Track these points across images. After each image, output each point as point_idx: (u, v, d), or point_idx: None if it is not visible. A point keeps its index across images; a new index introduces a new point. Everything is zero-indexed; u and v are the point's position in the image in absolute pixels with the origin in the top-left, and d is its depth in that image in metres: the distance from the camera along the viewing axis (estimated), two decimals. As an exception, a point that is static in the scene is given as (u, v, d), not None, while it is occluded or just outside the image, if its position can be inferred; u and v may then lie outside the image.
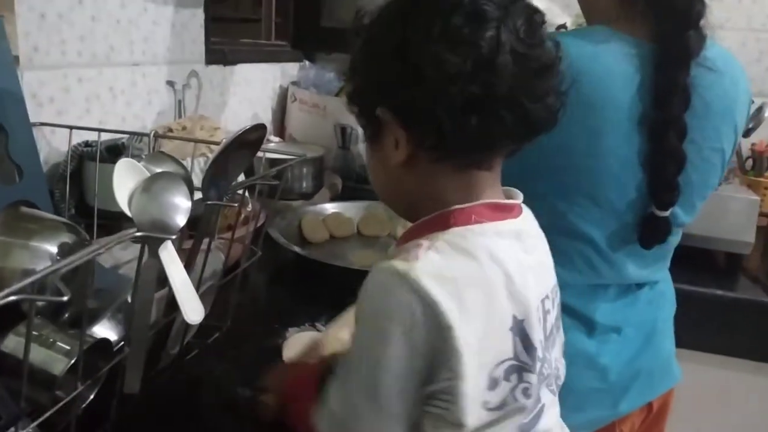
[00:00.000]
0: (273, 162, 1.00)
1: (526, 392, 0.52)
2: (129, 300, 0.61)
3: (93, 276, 0.57)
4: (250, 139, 0.68)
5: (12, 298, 0.42)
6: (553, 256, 0.60)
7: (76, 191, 1.05)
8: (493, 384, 0.50)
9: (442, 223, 0.52)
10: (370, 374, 0.49)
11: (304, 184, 1.49)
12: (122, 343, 0.62)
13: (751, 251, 1.30)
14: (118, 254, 0.76)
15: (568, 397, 0.62)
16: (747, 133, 1.31)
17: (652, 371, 0.83)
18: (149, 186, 0.57)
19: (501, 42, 0.48)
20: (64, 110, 1.11)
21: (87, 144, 1.06)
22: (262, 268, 1.01)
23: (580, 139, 0.69)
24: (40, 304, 0.56)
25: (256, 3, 1.88)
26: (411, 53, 0.49)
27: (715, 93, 0.73)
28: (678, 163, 0.71)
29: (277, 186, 0.80)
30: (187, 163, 0.72)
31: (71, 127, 0.97)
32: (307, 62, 1.84)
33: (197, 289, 0.58)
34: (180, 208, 0.57)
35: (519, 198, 0.57)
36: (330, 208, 1.33)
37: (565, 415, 0.62)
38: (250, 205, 0.93)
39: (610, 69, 0.69)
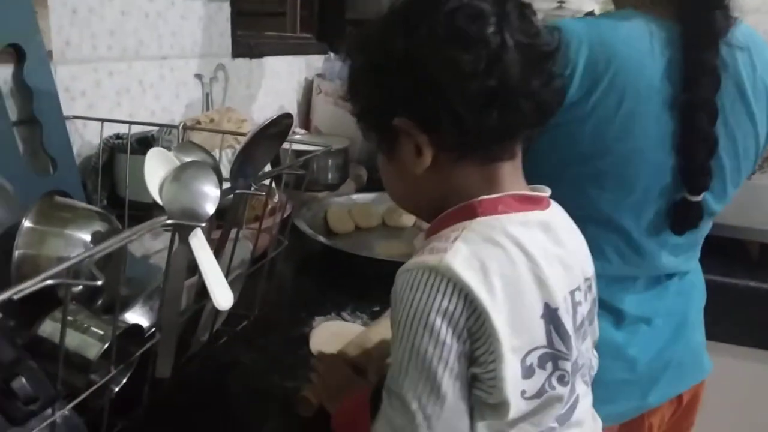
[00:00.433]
0: (299, 153, 1.01)
1: (562, 380, 0.52)
2: (160, 287, 0.62)
3: (125, 262, 0.58)
4: (278, 128, 0.68)
5: (49, 282, 0.43)
6: None
7: (107, 183, 1.08)
8: (529, 372, 0.50)
9: (470, 212, 0.53)
10: (425, 371, 0.49)
11: (330, 176, 1.49)
12: (153, 329, 0.63)
13: (785, 242, 1.27)
14: (148, 244, 0.77)
15: (596, 389, 0.61)
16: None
17: (682, 363, 0.82)
18: (179, 175, 0.58)
19: (505, 36, 0.50)
20: (95, 104, 1.13)
21: (118, 136, 1.08)
22: (289, 258, 1.02)
23: (614, 123, 0.68)
24: (75, 289, 0.58)
25: (282, -4, 1.89)
26: (419, 63, 0.51)
27: (748, 75, 0.72)
28: (709, 147, 0.70)
29: (303, 177, 0.81)
30: (216, 154, 0.73)
31: (103, 120, 0.99)
32: (332, 54, 1.84)
33: (226, 277, 0.59)
34: (209, 196, 0.58)
35: (546, 192, 0.57)
36: (355, 199, 1.34)
37: (593, 407, 0.61)
38: (276, 196, 0.94)
39: (642, 52, 0.69)
